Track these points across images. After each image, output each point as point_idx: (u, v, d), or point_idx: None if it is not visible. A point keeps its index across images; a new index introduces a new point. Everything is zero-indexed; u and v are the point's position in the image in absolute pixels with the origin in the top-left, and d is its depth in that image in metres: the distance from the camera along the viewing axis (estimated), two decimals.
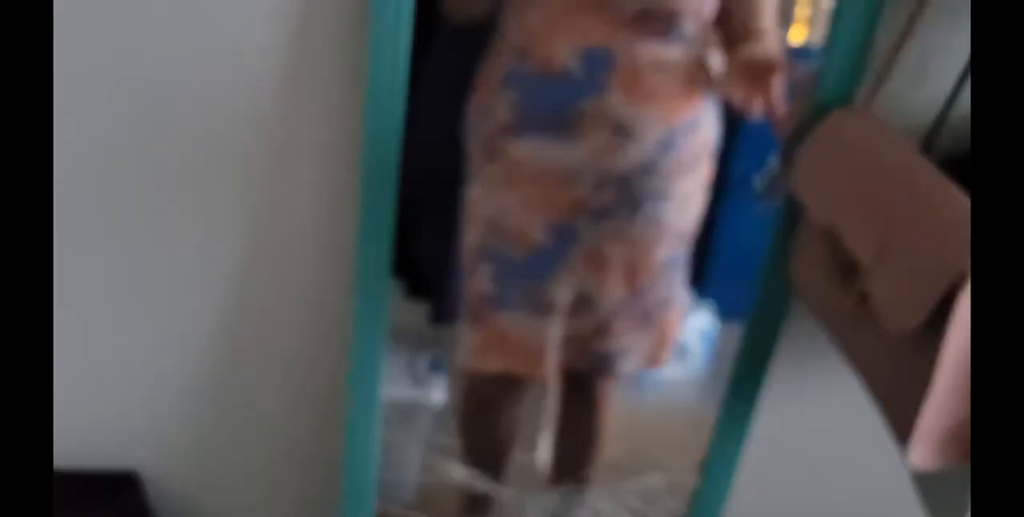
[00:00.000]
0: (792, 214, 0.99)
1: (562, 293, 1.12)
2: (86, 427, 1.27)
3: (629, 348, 1.17)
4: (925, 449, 0.74)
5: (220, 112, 1.06)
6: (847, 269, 0.83)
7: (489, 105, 1.06)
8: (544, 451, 1.35)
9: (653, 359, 1.20)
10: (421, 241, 1.18)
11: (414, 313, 1.23)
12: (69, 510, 1.25)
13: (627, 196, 1.07)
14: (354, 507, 1.18)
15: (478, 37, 1.09)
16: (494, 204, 1.10)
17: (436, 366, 1.27)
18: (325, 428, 1.27)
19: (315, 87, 1.05)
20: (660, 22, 1.00)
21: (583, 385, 1.24)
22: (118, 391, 1.25)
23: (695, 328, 1.33)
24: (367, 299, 1.07)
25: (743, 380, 1.08)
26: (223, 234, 1.14)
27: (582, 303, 1.13)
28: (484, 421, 1.26)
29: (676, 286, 1.17)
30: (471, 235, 1.13)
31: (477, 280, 1.14)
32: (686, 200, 1.11)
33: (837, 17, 0.94)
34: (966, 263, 0.67)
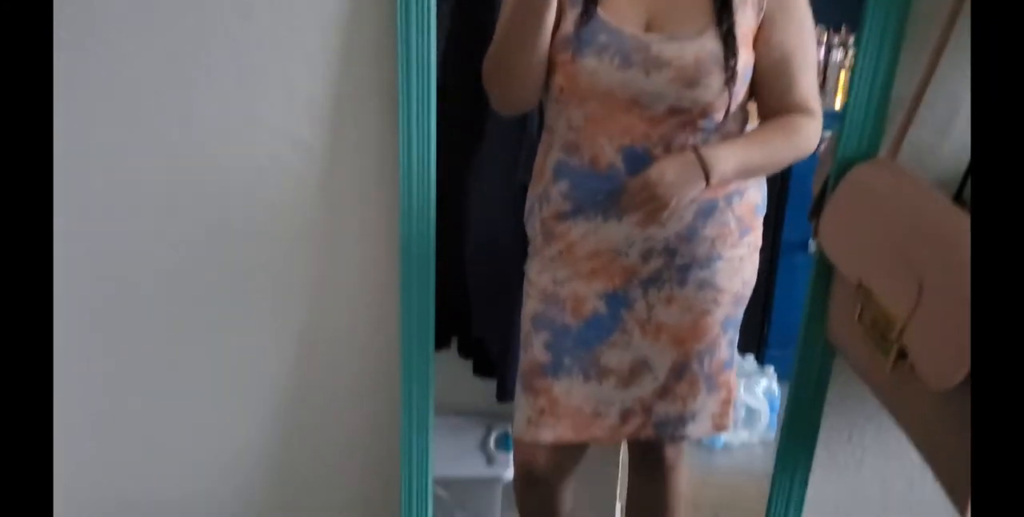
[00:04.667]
0: (825, 272, 0.91)
1: (617, 359, 1.08)
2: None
3: (695, 412, 1.10)
4: None
5: (264, 210, 1.07)
6: (882, 325, 0.75)
7: (545, 194, 1.06)
8: None
9: (719, 424, 1.13)
10: (484, 323, 1.18)
11: (484, 393, 1.21)
12: None
13: (675, 264, 1.04)
14: None
15: (527, 128, 1.10)
16: (551, 277, 1.08)
17: (505, 444, 1.23)
18: (383, 513, 1.21)
19: (352, 180, 1.05)
20: (692, 116, 0.98)
21: (652, 454, 1.17)
22: (190, 490, 1.23)
23: (760, 392, 1.27)
24: (414, 381, 1.04)
25: (793, 444, 0.99)
26: (274, 328, 1.13)
27: (641, 369, 1.09)
28: (537, 492, 1.19)
29: (735, 347, 1.12)
30: (528, 306, 1.11)
31: (532, 349, 1.10)
32: (739, 263, 1.07)
33: (855, 70, 0.89)
34: None
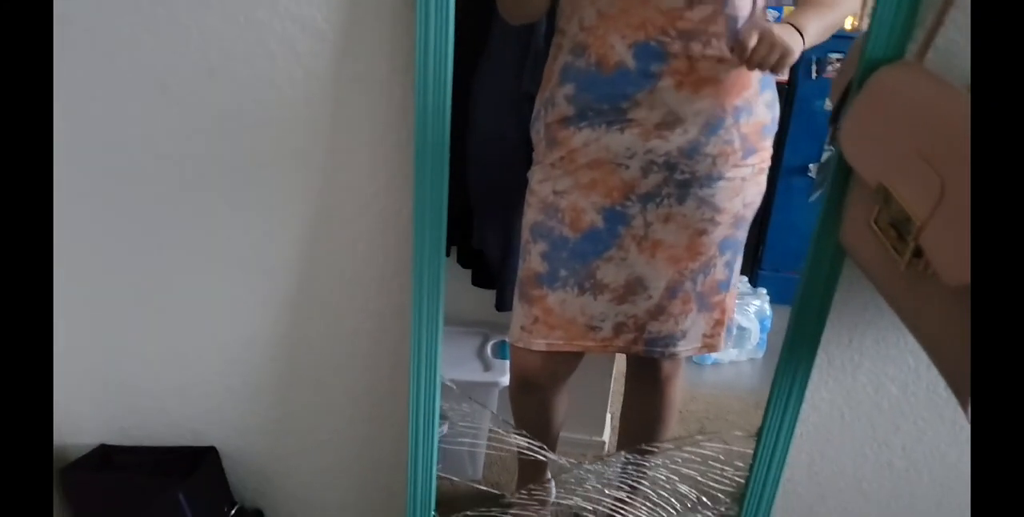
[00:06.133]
0: (842, 177, 0.92)
1: (612, 275, 1.10)
2: (172, 410, 1.29)
3: (686, 331, 1.13)
4: None
5: (275, 97, 1.05)
6: (901, 226, 0.76)
7: (550, 98, 1.05)
8: (609, 433, 1.32)
9: (710, 344, 1.16)
10: (484, 234, 1.18)
11: (482, 303, 1.22)
12: (157, 479, 1.28)
13: (675, 180, 1.04)
14: (418, 475, 1.16)
15: (534, 35, 1.08)
16: (551, 187, 1.08)
17: (501, 352, 1.26)
18: (389, 400, 1.25)
19: (366, 69, 1.03)
20: (716, 4, 0.95)
21: (649, 367, 1.20)
22: (196, 376, 1.26)
23: (752, 312, 1.30)
24: (424, 274, 1.04)
25: (798, 344, 1.02)
26: (284, 217, 1.13)
27: (635, 287, 1.10)
28: (532, 400, 1.23)
29: (733, 270, 1.13)
30: (528, 215, 1.11)
31: (530, 258, 1.12)
32: (741, 183, 1.06)
33: None
34: None
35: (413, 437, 1.13)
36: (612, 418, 1.32)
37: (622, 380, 1.28)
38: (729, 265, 1.12)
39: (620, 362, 1.27)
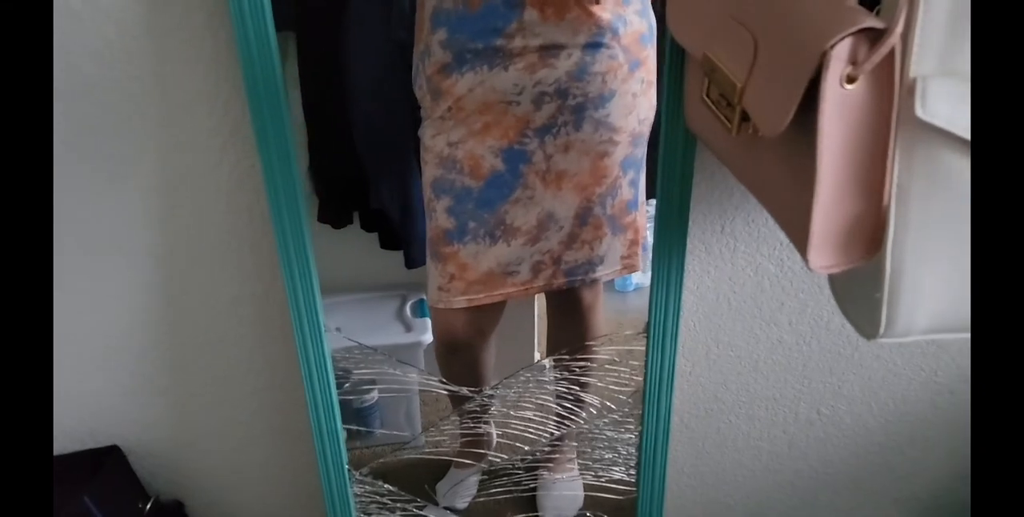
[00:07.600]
0: (678, 61, 0.94)
1: (522, 217, 1.10)
2: (63, 415, 1.26)
3: (603, 255, 1.14)
4: (823, 251, 0.70)
5: (90, 60, 1.00)
6: (728, 94, 0.78)
7: (426, 49, 1.04)
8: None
9: (629, 265, 1.18)
10: (381, 193, 1.17)
11: (394, 266, 1.22)
12: (60, 487, 1.24)
13: (568, 106, 1.04)
14: (324, 434, 1.15)
15: None
16: (445, 140, 1.07)
17: (420, 311, 1.27)
18: (284, 364, 1.24)
19: (181, 17, 0.99)
20: None
21: (569, 297, 1.21)
22: (81, 376, 1.22)
23: None
24: (287, 227, 1.02)
25: (666, 233, 1.04)
26: (131, 190, 1.08)
27: (547, 223, 1.11)
28: (460, 357, 1.23)
29: (638, 188, 1.15)
30: (427, 173, 1.10)
31: (436, 216, 1.11)
32: (632, 100, 1.07)
33: None
34: (828, 43, 0.62)
35: (311, 395, 1.12)
36: (540, 356, 1.32)
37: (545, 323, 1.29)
38: (634, 183, 1.13)
39: (541, 305, 1.28)
